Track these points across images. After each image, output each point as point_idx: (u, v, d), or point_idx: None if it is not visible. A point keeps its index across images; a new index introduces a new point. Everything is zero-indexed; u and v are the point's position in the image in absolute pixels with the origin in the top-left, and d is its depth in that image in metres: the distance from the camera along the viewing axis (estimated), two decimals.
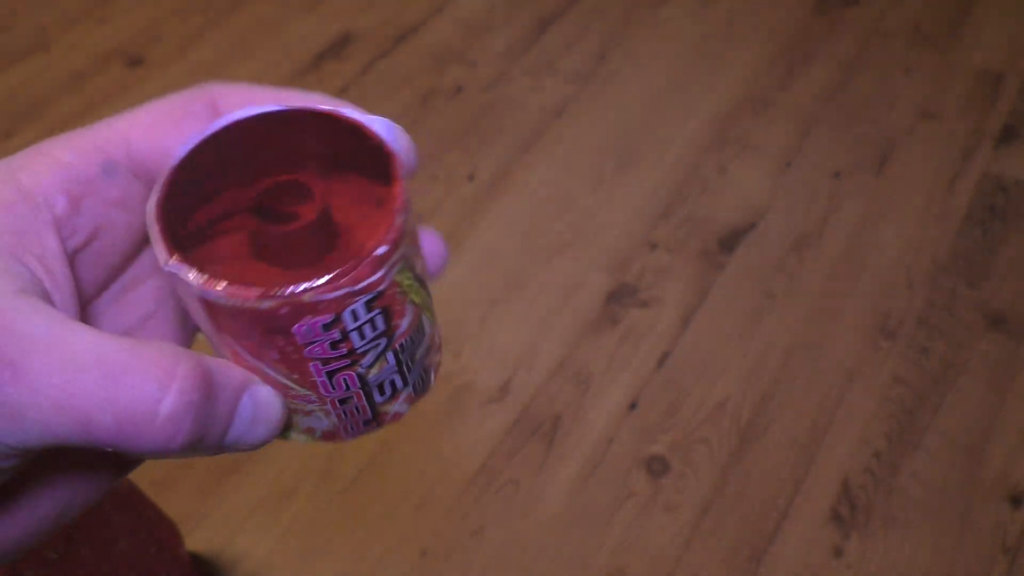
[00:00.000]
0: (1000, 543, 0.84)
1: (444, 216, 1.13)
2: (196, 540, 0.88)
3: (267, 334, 0.20)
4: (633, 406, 0.95)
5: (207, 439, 0.19)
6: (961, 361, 0.97)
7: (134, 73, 1.32)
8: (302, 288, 0.19)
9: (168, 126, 0.22)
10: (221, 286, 0.19)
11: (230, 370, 0.20)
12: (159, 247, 0.20)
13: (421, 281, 0.22)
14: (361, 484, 0.90)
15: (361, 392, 0.22)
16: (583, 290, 1.05)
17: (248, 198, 0.20)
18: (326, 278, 0.19)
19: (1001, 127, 1.19)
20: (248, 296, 0.19)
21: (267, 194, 0.21)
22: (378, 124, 0.22)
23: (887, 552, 0.84)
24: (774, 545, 0.85)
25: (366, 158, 0.21)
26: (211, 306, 0.20)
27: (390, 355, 0.22)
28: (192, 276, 0.19)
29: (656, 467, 0.90)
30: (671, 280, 1.06)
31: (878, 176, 1.15)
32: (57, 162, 0.21)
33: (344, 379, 0.21)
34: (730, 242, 1.09)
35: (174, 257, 0.20)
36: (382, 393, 0.23)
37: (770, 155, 1.18)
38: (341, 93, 1.28)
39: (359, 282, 0.20)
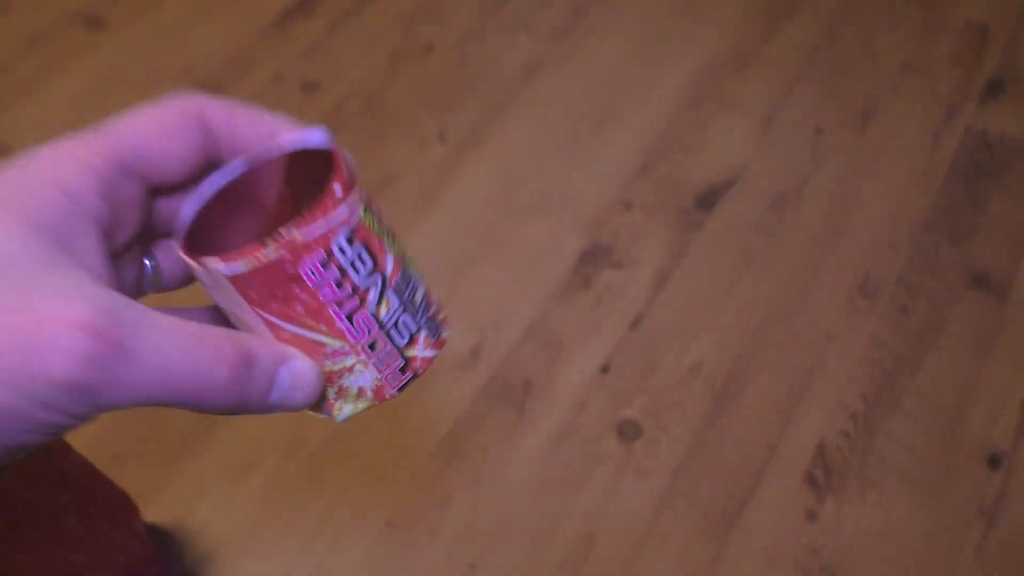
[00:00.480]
0: (977, 505, 0.82)
1: (414, 178, 1.10)
2: (156, 512, 0.86)
3: (286, 285, 0.25)
4: (605, 369, 0.93)
5: (251, 401, 0.25)
6: (942, 321, 0.95)
7: (94, 35, 1.28)
8: (289, 231, 0.24)
9: (167, 140, 0.26)
10: (238, 258, 0.24)
11: (269, 348, 0.25)
12: (193, 262, 0.25)
13: (391, 233, 0.27)
14: (326, 454, 0.88)
15: (382, 333, 0.27)
16: (556, 252, 1.02)
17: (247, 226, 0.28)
18: (303, 218, 0.24)
19: (986, 82, 1.16)
20: (257, 252, 0.24)
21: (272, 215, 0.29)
22: (318, 134, 0.28)
23: (862, 515, 0.82)
24: (747, 510, 0.83)
25: (323, 166, 0.27)
26: (238, 280, 0.25)
27: (391, 294, 0.27)
28: (218, 263, 0.24)
29: (628, 431, 0.88)
30: (646, 240, 1.03)
31: (861, 133, 1.12)
32: (89, 166, 0.24)
33: (362, 320, 0.26)
34: (708, 201, 1.06)
35: (207, 261, 0.25)
36: (400, 335, 0.27)
37: (750, 112, 1.15)
38: (308, 53, 1.25)
39: (329, 213, 0.24)
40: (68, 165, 0.24)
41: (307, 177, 0.28)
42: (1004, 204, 1.04)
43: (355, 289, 0.26)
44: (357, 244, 0.25)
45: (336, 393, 0.27)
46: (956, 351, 0.92)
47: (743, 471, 0.85)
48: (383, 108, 1.17)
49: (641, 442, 0.87)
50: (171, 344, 0.23)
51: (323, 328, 0.26)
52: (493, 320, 0.97)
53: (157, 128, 0.26)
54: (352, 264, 0.25)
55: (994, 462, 0.85)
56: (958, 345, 0.93)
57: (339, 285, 0.25)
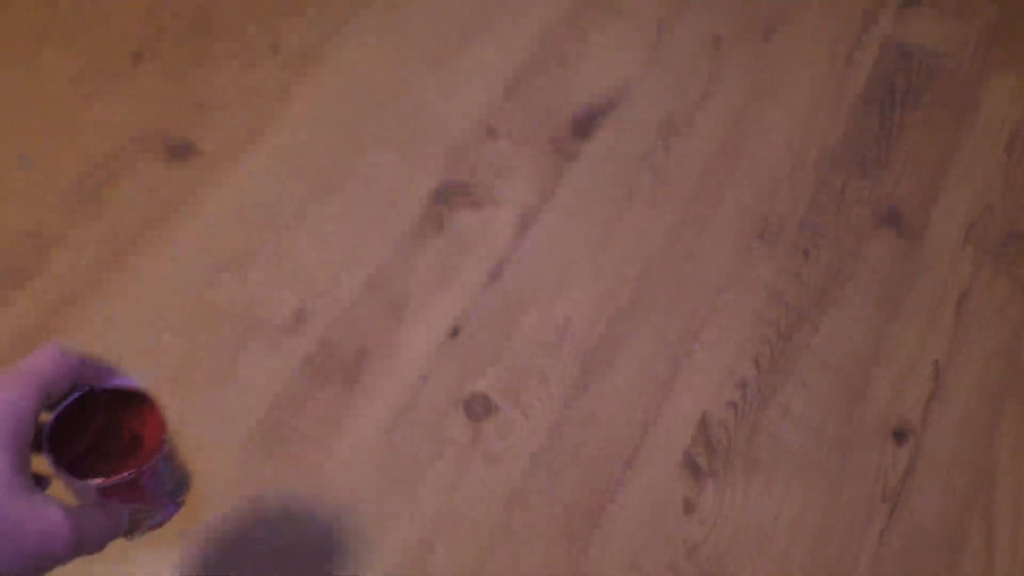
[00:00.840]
0: (881, 488, 0.71)
1: (241, 104, 0.92)
2: None
3: (129, 487, 0.46)
4: (455, 332, 0.78)
5: (86, 552, 0.44)
6: (848, 270, 0.82)
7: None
8: (139, 466, 0.45)
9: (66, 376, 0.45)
10: (101, 480, 0.44)
11: (97, 516, 0.45)
12: (62, 472, 0.44)
13: (170, 435, 0.48)
14: None
15: (166, 495, 0.50)
16: (404, 191, 0.86)
17: (94, 433, 0.46)
18: (147, 457, 0.46)
19: None
20: (123, 474, 0.45)
21: (105, 428, 0.47)
22: (138, 377, 0.47)
23: (747, 504, 0.70)
24: (613, 503, 0.70)
25: (142, 400, 0.47)
26: (107, 490, 0.45)
27: (174, 470, 0.49)
28: (91, 482, 0.44)
29: (477, 408, 0.74)
30: (511, 175, 0.87)
31: (764, 44, 0.97)
32: (31, 396, 0.43)
33: (160, 491, 0.48)
34: (585, 127, 0.90)
35: (75, 475, 0.44)
36: (172, 492, 0.50)
37: (638, 20, 0.99)
38: None
39: (159, 451, 0.46)
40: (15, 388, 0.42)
41: (125, 400, 0.47)
42: (920, 132, 0.91)
43: (159, 479, 0.48)
44: (166, 459, 0.48)
45: (137, 525, 0.49)
46: (862, 306, 0.80)
47: (612, 456, 0.72)
48: (207, 21, 0.98)
49: (492, 421, 0.73)
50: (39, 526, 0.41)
51: (141, 500, 0.48)
52: (324, 275, 0.80)
53: (46, 375, 0.43)
54: (164, 471, 0.48)
55: (900, 436, 0.73)
56: (865, 298, 0.80)
57: (156, 481, 0.47)
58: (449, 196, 0.86)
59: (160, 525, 0.52)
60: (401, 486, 0.70)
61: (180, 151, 0.87)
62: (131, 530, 0.49)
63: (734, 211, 0.85)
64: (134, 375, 0.47)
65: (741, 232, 0.84)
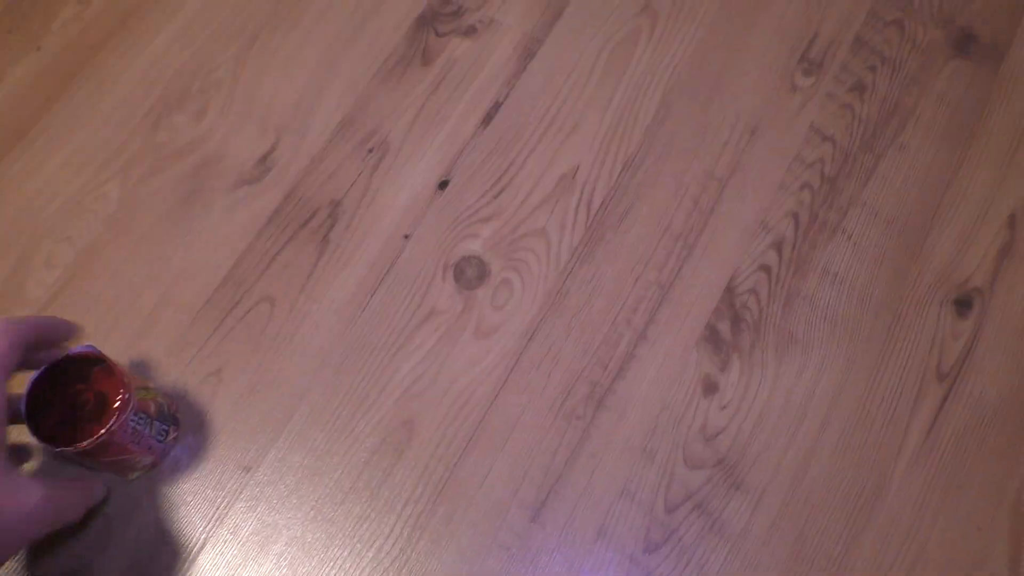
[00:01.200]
0: (935, 366, 0.61)
1: None
2: None
3: (107, 444, 0.50)
4: (444, 184, 0.67)
5: (68, 520, 0.50)
6: (910, 102, 0.69)
7: None
8: (110, 425, 0.50)
9: (6, 359, 0.47)
10: (75, 446, 0.49)
11: (72, 489, 0.52)
12: (42, 443, 0.49)
13: (146, 386, 0.55)
14: (53, 312, 0.63)
15: (154, 439, 0.55)
16: (384, 11, 0.73)
17: (68, 396, 0.51)
18: (116, 415, 0.50)
19: None
20: (98, 434, 0.49)
21: (75, 394, 0.51)
22: (86, 346, 0.52)
23: (777, 386, 0.60)
24: (622, 381, 0.61)
25: (100, 362, 0.52)
26: (85, 452, 0.49)
27: (155, 421, 0.55)
28: (71, 448, 0.48)
29: (470, 273, 0.64)
30: None
31: None
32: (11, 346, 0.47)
33: (144, 440, 0.54)
34: None
35: (53, 442, 0.49)
36: (161, 435, 0.56)
37: None
38: None
39: (124, 410, 0.51)
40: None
41: (86, 364, 0.52)
42: None
43: (135, 430, 0.52)
44: (138, 412, 0.52)
45: (130, 470, 0.56)
46: (925, 147, 0.67)
47: (620, 325, 0.62)
48: None
49: (486, 288, 0.63)
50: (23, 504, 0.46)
51: (125, 452, 0.53)
52: (291, 115, 0.69)
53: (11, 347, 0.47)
54: (137, 423, 0.52)
55: (963, 305, 0.62)
56: (929, 138, 0.68)
57: (132, 433, 0.52)
58: (437, 20, 0.73)
59: (154, 466, 0.58)
60: (375, 362, 0.61)
61: None
62: (125, 475, 0.56)
63: (774, 28, 0.71)
64: (88, 342, 0.52)
65: (780, 55, 0.71)
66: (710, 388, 0.60)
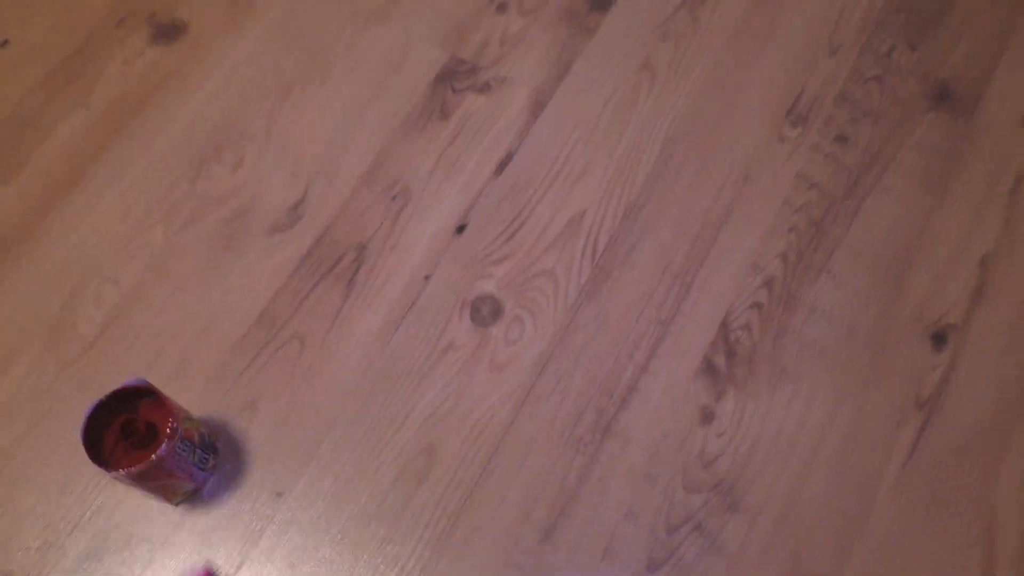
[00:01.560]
0: (914, 396, 0.66)
1: None
2: None
3: (156, 471, 0.58)
4: (461, 228, 0.72)
5: None
6: (890, 152, 0.75)
7: None
8: (159, 450, 0.57)
9: None
10: (127, 469, 0.56)
11: None
12: (98, 466, 0.57)
13: (190, 416, 0.61)
14: (101, 348, 0.69)
15: (195, 467, 0.62)
16: (406, 70, 0.79)
17: (117, 429, 0.59)
18: (165, 441, 0.57)
19: None
20: (148, 459, 0.57)
21: (128, 423, 0.59)
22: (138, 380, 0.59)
23: (770, 415, 0.65)
24: (626, 411, 0.66)
25: (150, 394, 0.59)
26: (136, 476, 0.57)
27: (196, 448, 0.61)
28: (123, 471, 0.56)
29: (485, 311, 0.69)
30: (523, 53, 0.80)
31: None
32: None
33: (187, 467, 0.61)
34: None
35: (110, 468, 0.57)
36: (203, 462, 0.63)
37: None
38: None
39: (172, 439, 0.57)
40: None
41: (137, 397, 0.59)
42: None
43: (181, 457, 0.59)
44: (183, 440, 0.58)
45: (175, 495, 0.62)
46: (905, 193, 0.73)
47: (624, 359, 0.67)
48: None
49: (499, 325, 0.69)
50: None
51: (171, 477, 0.59)
52: (320, 165, 0.75)
53: None
54: (182, 450, 0.59)
55: (939, 339, 0.67)
56: (908, 185, 0.73)
57: (178, 460, 0.58)
58: (455, 77, 0.79)
59: (196, 491, 0.64)
60: (398, 393, 0.66)
61: (167, 31, 0.80)
62: (169, 499, 0.62)
63: (763, 87, 0.77)
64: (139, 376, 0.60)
65: (771, 111, 0.76)
66: (707, 417, 0.65)
